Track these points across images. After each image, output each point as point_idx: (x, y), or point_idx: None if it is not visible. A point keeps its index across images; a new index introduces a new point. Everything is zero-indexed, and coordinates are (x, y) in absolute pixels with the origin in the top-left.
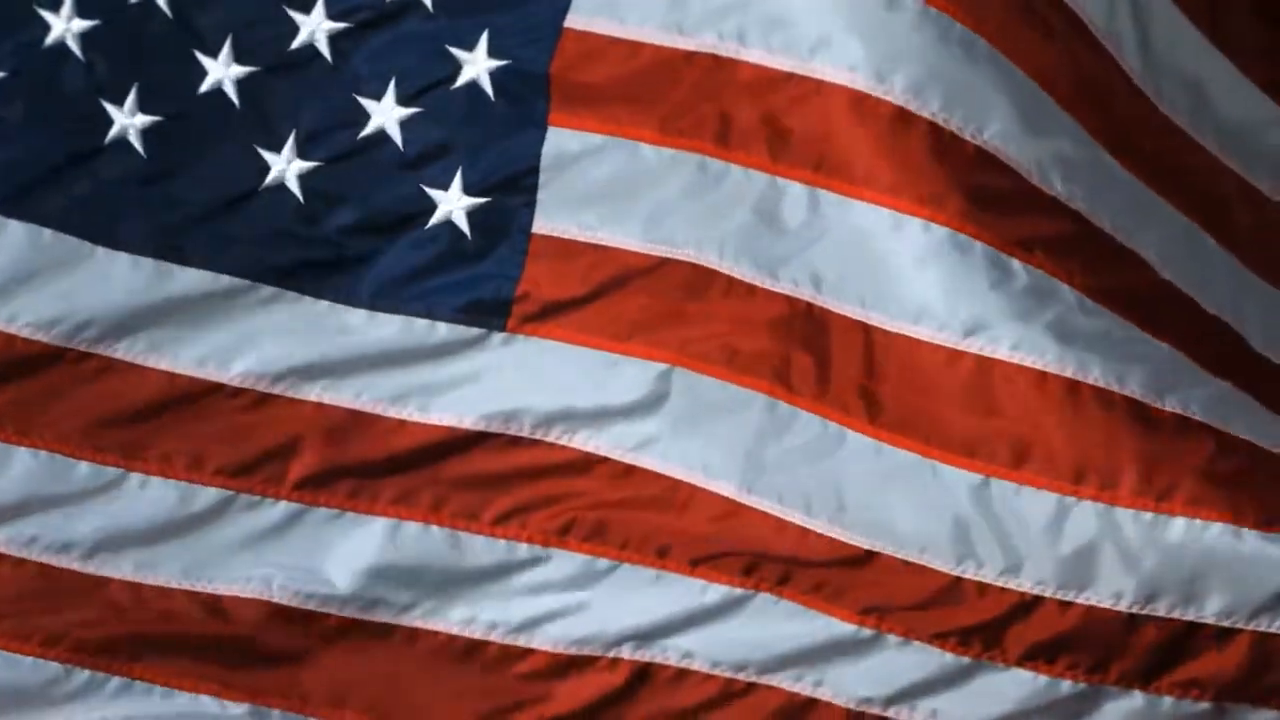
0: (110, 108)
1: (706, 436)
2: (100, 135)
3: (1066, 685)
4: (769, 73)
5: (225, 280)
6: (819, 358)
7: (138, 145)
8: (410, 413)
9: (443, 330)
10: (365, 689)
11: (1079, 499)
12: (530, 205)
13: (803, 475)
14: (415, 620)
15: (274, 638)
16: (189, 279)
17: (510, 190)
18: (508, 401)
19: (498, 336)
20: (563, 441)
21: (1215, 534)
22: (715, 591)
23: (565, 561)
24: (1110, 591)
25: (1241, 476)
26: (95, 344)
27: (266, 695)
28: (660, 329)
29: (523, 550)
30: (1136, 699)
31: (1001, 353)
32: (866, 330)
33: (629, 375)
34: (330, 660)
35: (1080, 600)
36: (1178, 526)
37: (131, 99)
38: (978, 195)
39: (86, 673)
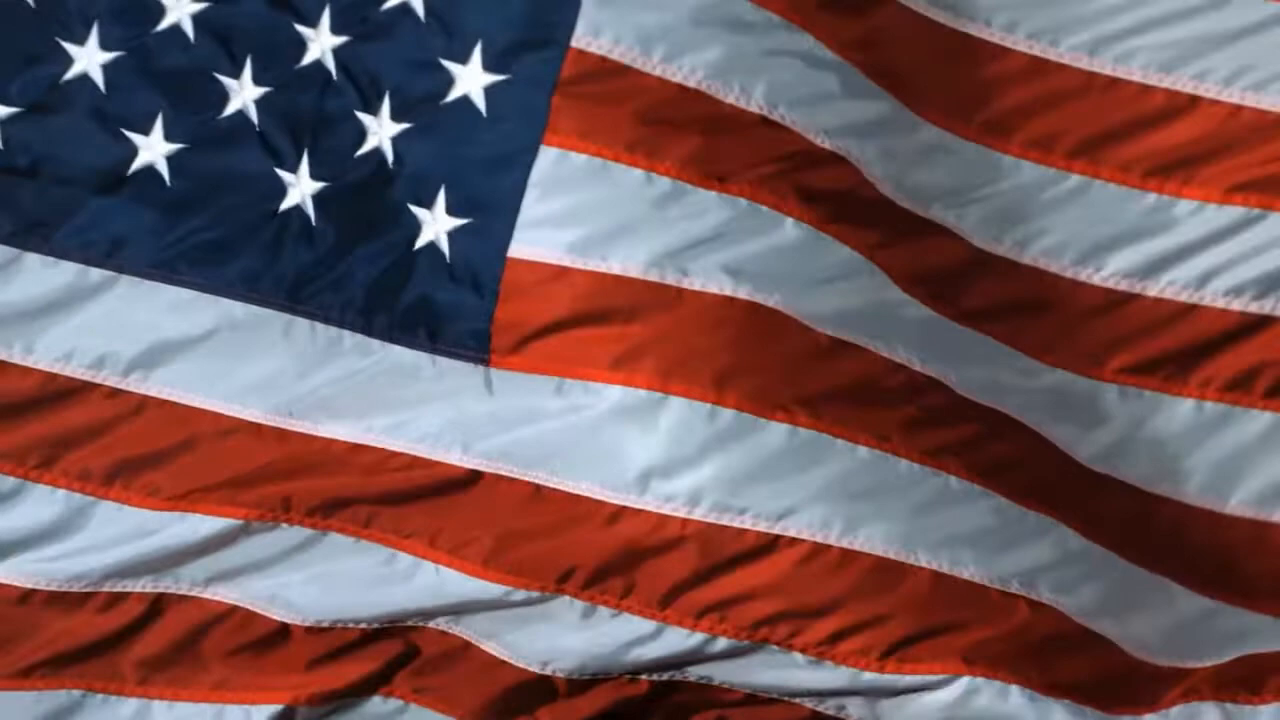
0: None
1: None
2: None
3: None
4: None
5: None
6: None
7: (164, 173)
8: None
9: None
10: None
11: None
12: (511, 226)
13: None
14: None
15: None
16: (209, 309)
17: (494, 211)
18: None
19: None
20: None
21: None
22: None
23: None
24: None
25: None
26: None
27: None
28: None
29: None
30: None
31: None
32: None
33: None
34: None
35: None
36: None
37: (159, 126)
38: None
39: None
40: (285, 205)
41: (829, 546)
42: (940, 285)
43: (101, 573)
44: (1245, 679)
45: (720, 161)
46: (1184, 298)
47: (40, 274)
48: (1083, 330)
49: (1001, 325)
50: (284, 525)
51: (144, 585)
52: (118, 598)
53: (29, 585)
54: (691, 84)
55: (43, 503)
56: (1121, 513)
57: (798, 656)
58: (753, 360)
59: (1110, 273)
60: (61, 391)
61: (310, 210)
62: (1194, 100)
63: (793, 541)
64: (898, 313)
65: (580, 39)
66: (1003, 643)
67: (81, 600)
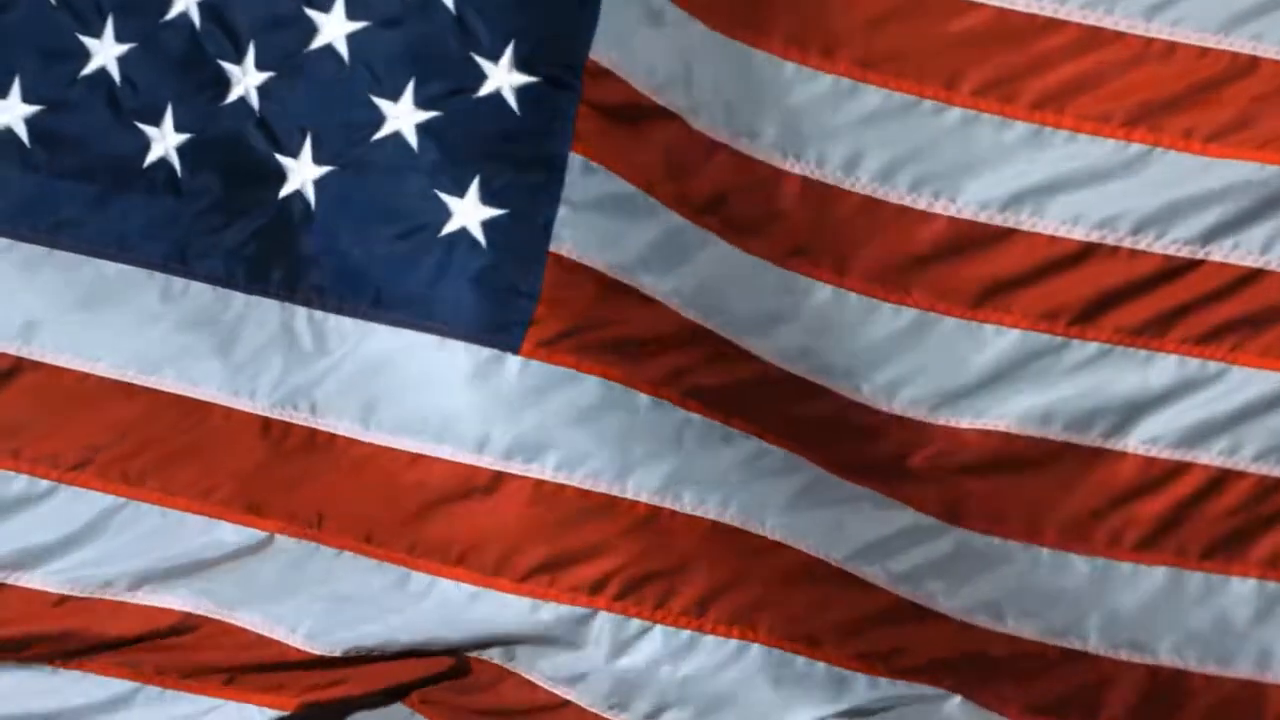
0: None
1: None
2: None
3: None
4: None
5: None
6: None
7: (177, 165)
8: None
9: (456, 349)
10: None
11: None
12: (550, 224)
13: None
14: None
15: None
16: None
17: (530, 204)
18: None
19: (513, 360)
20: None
21: None
22: None
23: None
24: None
25: None
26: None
27: None
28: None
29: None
30: None
31: None
32: None
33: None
34: None
35: None
36: None
37: (168, 119)
38: None
39: None
40: (285, 191)
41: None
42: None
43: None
44: None
45: None
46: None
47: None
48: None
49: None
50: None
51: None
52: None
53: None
54: None
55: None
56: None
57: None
58: None
59: (1171, 240)
60: None
61: (311, 196)
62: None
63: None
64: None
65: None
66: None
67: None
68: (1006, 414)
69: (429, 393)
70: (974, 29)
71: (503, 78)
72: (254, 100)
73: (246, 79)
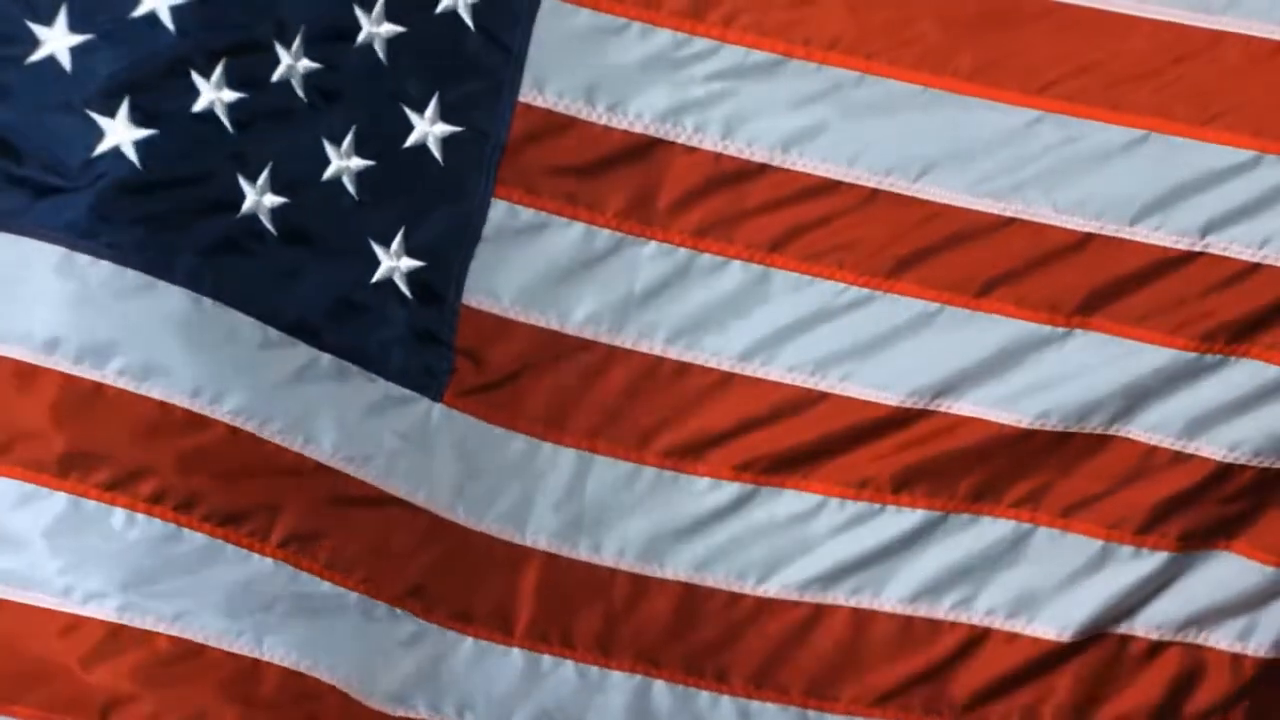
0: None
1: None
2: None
3: None
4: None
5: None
6: None
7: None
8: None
9: (383, 387)
10: None
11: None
12: (463, 275)
13: None
14: None
15: None
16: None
17: (447, 257)
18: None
19: (436, 408)
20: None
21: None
22: None
23: None
24: (1055, 624)
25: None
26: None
27: None
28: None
29: None
30: None
31: None
32: None
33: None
34: None
35: (1026, 632)
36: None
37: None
38: None
39: None
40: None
41: None
42: None
43: None
44: None
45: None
46: None
47: None
48: None
49: None
50: None
51: None
52: None
53: None
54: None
55: None
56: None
57: None
58: None
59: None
60: None
61: (266, 222)
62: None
63: None
64: None
65: (529, 95)
66: None
67: None
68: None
69: None
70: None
71: (427, 128)
72: (227, 122)
73: (219, 95)
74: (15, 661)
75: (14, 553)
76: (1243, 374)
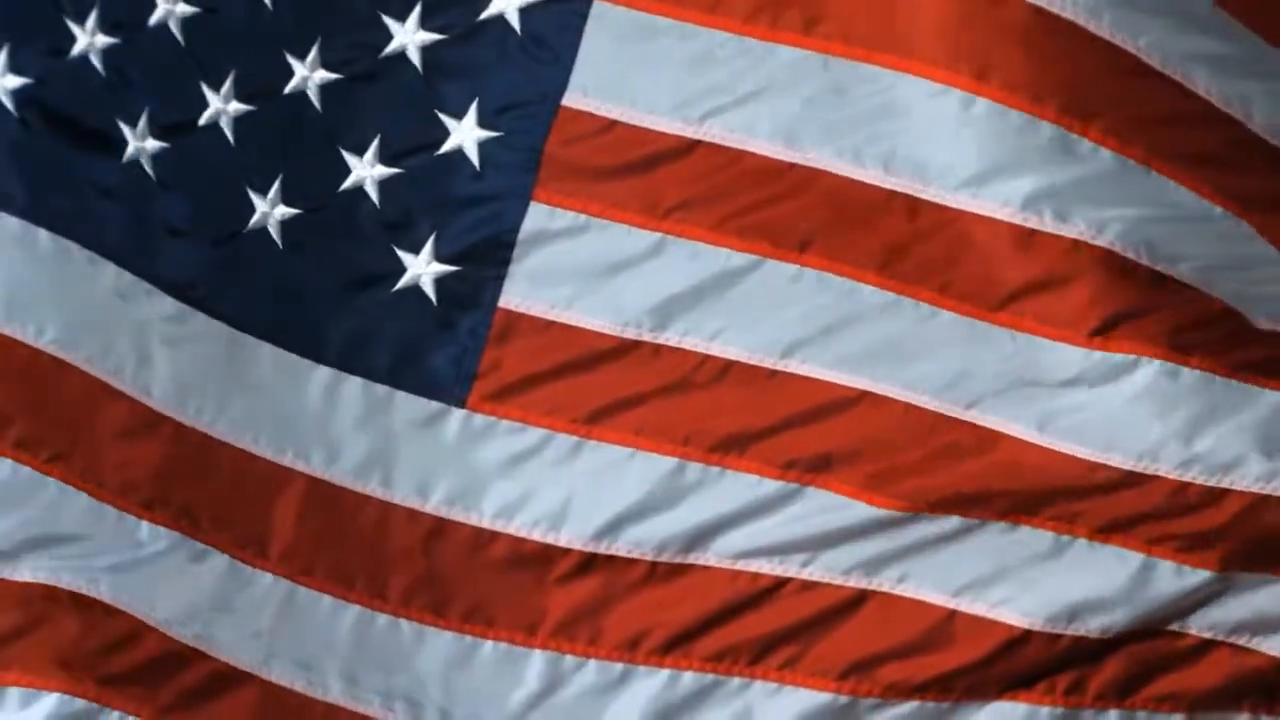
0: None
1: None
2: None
3: (1045, 711)
4: (773, 164)
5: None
6: None
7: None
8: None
9: (400, 400)
10: None
11: None
12: (500, 279)
13: None
14: None
15: None
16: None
17: (482, 262)
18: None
19: (457, 413)
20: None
21: None
22: None
23: None
24: (1099, 623)
25: None
26: None
27: None
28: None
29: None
30: (1111, 717)
31: None
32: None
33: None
34: None
35: (1069, 631)
36: None
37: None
38: None
39: None
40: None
41: None
42: None
43: None
44: None
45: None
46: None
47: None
48: None
49: None
50: None
51: None
52: None
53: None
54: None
55: None
56: None
57: None
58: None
59: None
60: None
61: (276, 235)
62: None
63: None
64: None
65: (573, 99)
66: None
67: None
68: None
69: None
70: None
71: (466, 134)
72: (229, 132)
73: (228, 106)
74: None
75: None
76: None
